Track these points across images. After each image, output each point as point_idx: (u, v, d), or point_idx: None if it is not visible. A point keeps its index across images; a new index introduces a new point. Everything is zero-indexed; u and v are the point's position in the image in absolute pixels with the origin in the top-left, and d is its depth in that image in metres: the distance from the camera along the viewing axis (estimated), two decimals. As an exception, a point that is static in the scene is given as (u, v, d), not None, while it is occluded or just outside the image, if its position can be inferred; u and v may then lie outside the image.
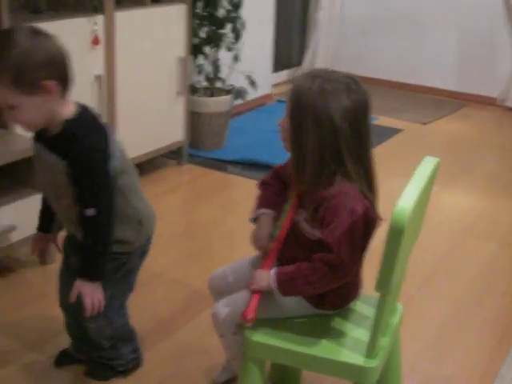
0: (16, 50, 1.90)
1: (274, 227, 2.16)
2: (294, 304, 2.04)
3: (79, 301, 2.13)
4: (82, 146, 2.03)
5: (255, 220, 2.21)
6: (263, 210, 2.19)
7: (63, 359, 2.55)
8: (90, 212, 2.06)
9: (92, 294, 2.11)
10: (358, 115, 1.91)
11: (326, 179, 1.92)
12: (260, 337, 2.00)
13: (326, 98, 1.88)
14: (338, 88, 1.89)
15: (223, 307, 2.12)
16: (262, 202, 2.21)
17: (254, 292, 2.00)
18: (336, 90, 1.89)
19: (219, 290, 2.27)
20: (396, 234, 1.66)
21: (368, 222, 1.91)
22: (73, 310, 2.31)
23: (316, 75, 1.93)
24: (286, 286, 1.96)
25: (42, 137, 2.11)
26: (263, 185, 2.25)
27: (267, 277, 1.99)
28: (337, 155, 1.91)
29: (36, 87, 1.94)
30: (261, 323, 2.02)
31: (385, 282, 1.74)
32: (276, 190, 2.20)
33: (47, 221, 2.37)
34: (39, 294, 2.98)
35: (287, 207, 2.14)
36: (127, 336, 2.47)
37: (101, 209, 2.08)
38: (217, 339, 2.25)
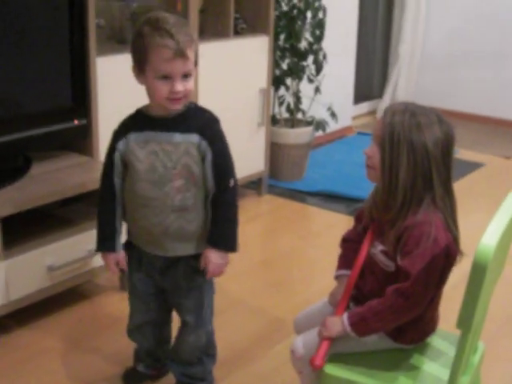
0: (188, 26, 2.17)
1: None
2: (372, 338, 2.03)
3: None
4: (212, 117, 2.24)
5: (337, 278, 2.23)
6: (344, 271, 2.20)
7: (132, 377, 2.64)
8: (232, 182, 2.21)
9: (219, 263, 2.27)
10: (448, 146, 1.94)
11: (414, 206, 1.93)
12: (336, 371, 1.98)
13: (422, 129, 1.90)
14: (432, 120, 1.93)
15: (301, 344, 2.12)
16: (343, 262, 2.23)
17: (324, 339, 2.01)
18: (430, 123, 1.92)
19: (304, 330, 2.24)
20: (479, 271, 1.63)
21: (449, 255, 1.90)
22: (161, 325, 2.53)
23: (407, 109, 1.94)
24: (359, 326, 1.96)
25: (153, 122, 2.18)
26: (344, 242, 2.26)
27: (339, 323, 2.00)
28: (428, 181, 1.92)
29: (196, 63, 2.15)
30: (338, 357, 2.01)
31: (466, 320, 1.71)
32: (356, 245, 2.20)
33: (115, 237, 2.31)
34: (119, 317, 3.02)
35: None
36: (212, 349, 2.51)
37: (236, 178, 2.24)
38: (293, 372, 2.24)
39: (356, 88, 6.35)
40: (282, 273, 3.65)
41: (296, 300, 3.29)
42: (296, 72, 4.74)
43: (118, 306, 3.17)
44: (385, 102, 6.74)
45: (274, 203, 4.58)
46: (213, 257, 2.23)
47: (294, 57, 4.73)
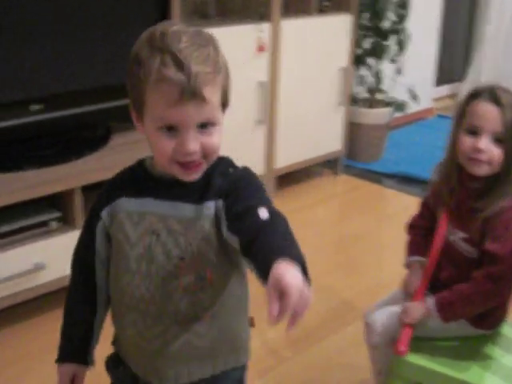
0: (221, 52, 1.39)
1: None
2: (452, 323, 2.00)
3: None
4: (241, 173, 1.45)
5: (408, 265, 2.20)
6: (415, 258, 2.17)
7: None
8: (264, 213, 1.29)
9: (301, 287, 1.16)
10: None
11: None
12: (411, 357, 1.97)
13: None
14: None
15: (379, 319, 2.10)
16: (413, 249, 2.20)
17: (406, 325, 1.99)
18: None
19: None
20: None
21: None
22: None
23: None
24: (446, 311, 1.94)
25: (156, 185, 1.45)
26: (411, 229, 2.24)
27: (421, 308, 1.98)
28: None
29: (227, 104, 1.43)
30: (413, 342, 1.99)
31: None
32: (425, 232, 2.18)
33: (88, 346, 1.61)
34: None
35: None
36: None
37: (271, 206, 1.34)
38: (359, 354, 2.22)
39: (438, 70, 6.24)
40: (355, 254, 3.63)
41: (367, 283, 3.27)
42: (378, 52, 4.68)
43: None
44: (467, 85, 6.60)
45: (349, 184, 4.55)
46: (292, 275, 1.16)
47: (376, 36, 4.67)
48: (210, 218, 1.39)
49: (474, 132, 1.92)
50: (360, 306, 3.01)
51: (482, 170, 1.93)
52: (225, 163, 1.47)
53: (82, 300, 1.57)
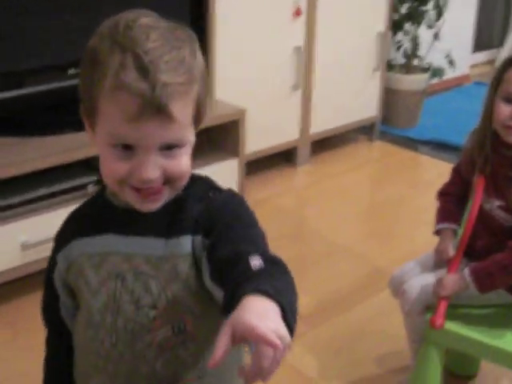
0: (199, 56, 1.11)
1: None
2: (489, 293, 1.99)
3: None
4: (223, 198, 1.17)
5: (438, 233, 2.18)
6: (446, 225, 2.15)
7: None
8: (257, 262, 0.99)
9: (271, 328, 0.85)
10: None
11: None
12: (446, 324, 1.96)
13: None
14: None
15: (416, 285, 2.08)
16: (443, 216, 2.17)
17: (442, 298, 1.97)
18: None
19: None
20: None
21: None
22: None
23: None
24: (484, 282, 1.92)
25: (118, 217, 1.18)
26: (442, 196, 2.22)
27: (457, 280, 1.96)
28: None
29: (201, 120, 1.15)
30: (448, 310, 1.98)
31: None
32: (456, 199, 2.17)
33: None
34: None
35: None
36: None
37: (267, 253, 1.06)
38: (392, 321, 2.22)
39: (476, 35, 6.16)
40: (389, 221, 3.62)
41: (401, 250, 3.26)
42: (415, 17, 4.62)
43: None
44: (505, 51, 6.50)
45: (385, 150, 4.53)
46: (257, 307, 0.89)
47: (414, 1, 4.61)
48: (186, 256, 1.12)
49: (511, 100, 1.90)
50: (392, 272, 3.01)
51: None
52: (202, 185, 1.19)
53: (61, 370, 1.31)
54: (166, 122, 1.03)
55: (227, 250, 1.04)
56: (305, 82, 3.91)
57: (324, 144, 4.34)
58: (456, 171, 2.22)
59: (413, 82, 4.72)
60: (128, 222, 1.16)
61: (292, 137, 3.98)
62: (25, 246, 2.59)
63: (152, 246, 1.14)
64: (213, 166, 3.13)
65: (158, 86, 0.99)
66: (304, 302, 2.80)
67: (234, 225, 1.10)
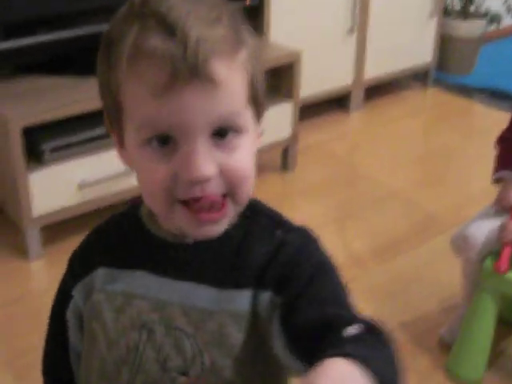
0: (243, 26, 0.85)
1: None
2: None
3: None
4: (286, 228, 0.93)
5: (497, 181, 2.12)
6: (506, 172, 2.09)
7: None
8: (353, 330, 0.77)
9: None
10: None
11: None
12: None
13: None
14: None
15: (480, 231, 2.04)
16: (504, 162, 2.10)
17: (506, 243, 1.94)
18: None
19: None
20: None
21: None
22: None
23: None
24: None
25: (156, 250, 0.92)
26: (501, 142, 2.15)
27: None
28: None
29: (263, 109, 0.91)
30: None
31: None
32: None
33: None
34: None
35: None
36: None
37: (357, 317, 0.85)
38: (445, 269, 2.21)
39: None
40: (441, 170, 3.59)
41: (453, 197, 3.24)
42: (475, -39, 4.53)
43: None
44: None
45: (438, 97, 4.47)
46: (334, 370, 0.66)
47: None
48: (241, 316, 0.87)
49: None
50: (445, 220, 3.01)
51: None
52: (264, 216, 0.93)
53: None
54: (209, 87, 0.76)
55: (313, 315, 0.81)
56: (360, 26, 3.86)
57: (378, 90, 4.30)
58: None
59: (469, 28, 4.63)
60: (166, 258, 0.90)
61: (346, 82, 3.95)
62: (82, 185, 2.63)
63: (197, 294, 0.88)
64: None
65: (190, 41, 0.75)
66: (357, 247, 2.81)
67: (318, 280, 0.86)
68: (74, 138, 2.65)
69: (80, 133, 2.66)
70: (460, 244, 2.10)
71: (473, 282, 2.14)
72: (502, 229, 1.96)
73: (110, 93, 0.83)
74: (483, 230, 2.04)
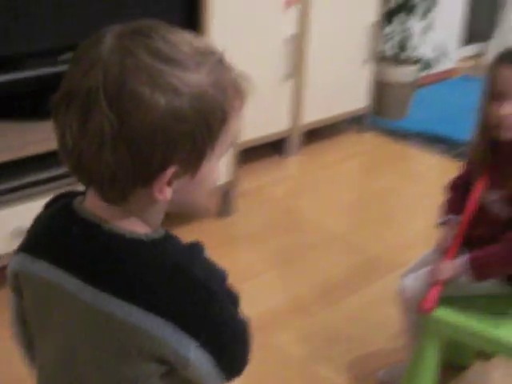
0: None
1: None
2: (484, 282, 1.99)
3: None
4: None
5: (442, 224, 2.18)
6: (449, 217, 2.15)
7: None
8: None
9: None
10: None
11: None
12: (442, 313, 1.97)
13: None
14: None
15: (411, 284, 2.09)
16: (450, 208, 2.18)
17: (435, 283, 1.98)
18: None
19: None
20: None
21: None
22: None
23: None
24: (480, 271, 1.94)
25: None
26: (451, 189, 2.22)
27: (454, 266, 1.97)
28: None
29: None
30: (445, 301, 1.99)
31: None
32: (462, 193, 2.16)
33: None
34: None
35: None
36: None
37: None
38: (389, 310, 2.23)
39: (465, 29, 6.17)
40: (379, 212, 3.62)
41: (393, 240, 3.26)
42: (406, 9, 4.62)
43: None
44: (494, 45, 6.51)
45: (375, 141, 4.52)
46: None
47: (405, -7, 4.62)
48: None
49: (500, 97, 1.90)
50: (387, 261, 3.03)
51: (510, 135, 1.92)
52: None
53: None
54: None
55: None
56: (297, 72, 3.89)
57: (315, 134, 4.34)
58: (464, 165, 2.22)
59: (403, 73, 4.72)
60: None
61: (283, 126, 3.97)
62: (16, 233, 2.56)
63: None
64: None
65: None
66: (298, 292, 2.79)
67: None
68: (4, 186, 2.59)
69: (12, 180, 2.60)
70: (398, 297, 2.15)
71: (414, 329, 2.15)
72: (435, 268, 2.00)
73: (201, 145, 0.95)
74: (413, 281, 2.09)
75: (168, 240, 1.01)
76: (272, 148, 4.09)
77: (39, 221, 1.09)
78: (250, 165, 3.88)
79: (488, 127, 1.98)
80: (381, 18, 4.39)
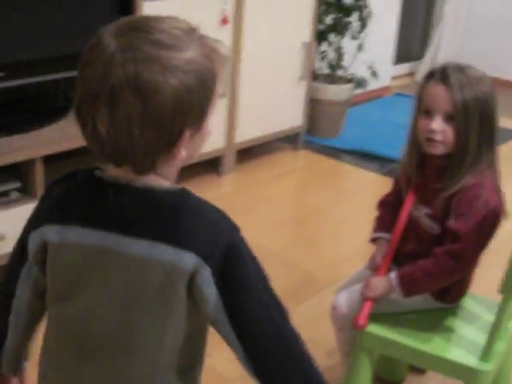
0: None
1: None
2: (415, 298, 2.02)
3: None
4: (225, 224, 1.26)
5: (374, 241, 2.22)
6: (381, 234, 2.19)
7: None
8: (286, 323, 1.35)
9: None
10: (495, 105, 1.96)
11: (473, 171, 1.92)
12: (374, 328, 1.99)
13: (491, 99, 1.93)
14: (491, 87, 1.94)
15: (344, 301, 2.12)
16: (380, 225, 2.22)
17: (367, 300, 2.00)
18: (492, 90, 1.93)
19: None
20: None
21: (497, 217, 1.91)
22: None
23: (469, 78, 1.92)
24: (409, 287, 1.97)
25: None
26: (381, 206, 2.26)
27: (384, 283, 2.00)
28: (490, 145, 1.94)
29: None
30: (378, 317, 2.02)
31: (510, 285, 1.70)
32: (393, 209, 2.19)
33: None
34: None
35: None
36: None
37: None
38: (320, 328, 2.24)
39: (397, 48, 6.28)
40: (315, 229, 3.65)
41: (327, 257, 3.29)
42: (339, 28, 4.69)
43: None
44: (425, 64, 6.65)
45: (309, 159, 4.56)
46: None
47: (338, 12, 4.67)
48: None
49: (429, 113, 1.95)
50: (323, 277, 3.05)
51: (438, 150, 1.96)
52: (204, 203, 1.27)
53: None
54: None
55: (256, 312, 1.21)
56: (230, 90, 3.91)
57: (249, 153, 4.35)
58: (395, 182, 2.25)
59: (337, 92, 4.77)
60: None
61: (217, 145, 3.97)
62: None
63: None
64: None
65: None
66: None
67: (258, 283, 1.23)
68: None
69: None
70: (331, 315, 2.17)
71: (348, 345, 2.17)
72: (366, 285, 2.02)
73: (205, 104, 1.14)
74: (346, 297, 2.12)
75: (188, 191, 1.20)
76: (208, 166, 4.09)
77: (60, 193, 1.21)
78: (185, 183, 3.84)
79: (417, 143, 2.02)
80: (314, 37, 4.44)
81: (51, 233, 1.18)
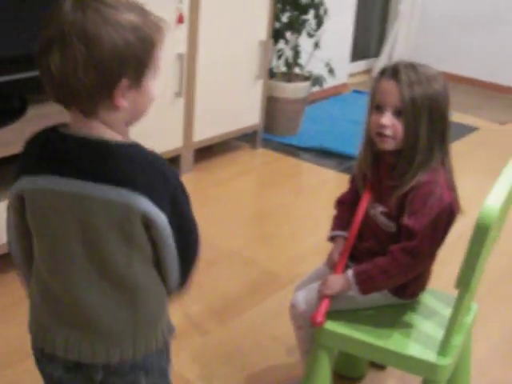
0: None
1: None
2: (372, 295, 2.03)
3: None
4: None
5: (332, 239, 2.23)
6: (339, 232, 2.20)
7: None
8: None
9: None
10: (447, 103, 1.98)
11: (425, 167, 1.94)
12: (333, 325, 2.00)
13: (442, 96, 1.94)
14: (444, 84, 1.96)
15: (302, 299, 2.13)
16: (338, 223, 2.23)
17: (324, 297, 2.01)
18: (444, 87, 1.96)
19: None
20: (482, 232, 1.63)
21: (452, 213, 1.93)
22: None
23: (419, 75, 1.93)
24: (366, 284, 1.98)
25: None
26: (339, 204, 2.27)
27: (341, 280, 2.01)
28: (442, 142, 1.96)
29: None
30: (336, 313, 2.03)
31: (465, 280, 1.72)
32: (351, 208, 2.20)
33: None
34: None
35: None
36: None
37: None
38: (282, 325, 2.24)
39: (353, 45, 6.31)
40: (274, 227, 3.65)
41: (288, 254, 3.30)
42: (296, 26, 4.69)
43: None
44: (381, 61, 6.69)
45: (267, 157, 4.56)
46: None
47: (294, 10, 4.68)
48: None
49: (379, 108, 1.96)
50: (281, 276, 3.05)
51: (389, 145, 1.97)
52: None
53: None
54: None
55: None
56: (187, 89, 3.90)
57: (207, 152, 4.35)
58: (352, 181, 2.26)
59: (294, 90, 4.78)
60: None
61: (176, 144, 3.95)
62: None
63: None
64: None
65: None
66: (194, 310, 2.78)
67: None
68: None
69: None
70: (290, 313, 2.18)
71: (307, 342, 2.18)
72: (323, 283, 2.04)
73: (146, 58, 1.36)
74: (304, 295, 2.13)
75: (138, 144, 1.40)
76: (165, 166, 4.06)
77: (32, 147, 1.43)
78: (143, 183, 3.84)
79: (372, 140, 2.03)
80: (270, 35, 4.44)
81: (26, 182, 1.41)
